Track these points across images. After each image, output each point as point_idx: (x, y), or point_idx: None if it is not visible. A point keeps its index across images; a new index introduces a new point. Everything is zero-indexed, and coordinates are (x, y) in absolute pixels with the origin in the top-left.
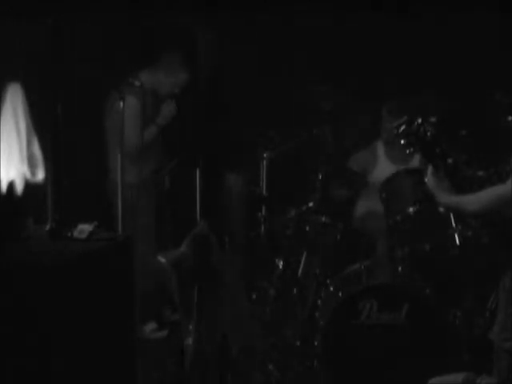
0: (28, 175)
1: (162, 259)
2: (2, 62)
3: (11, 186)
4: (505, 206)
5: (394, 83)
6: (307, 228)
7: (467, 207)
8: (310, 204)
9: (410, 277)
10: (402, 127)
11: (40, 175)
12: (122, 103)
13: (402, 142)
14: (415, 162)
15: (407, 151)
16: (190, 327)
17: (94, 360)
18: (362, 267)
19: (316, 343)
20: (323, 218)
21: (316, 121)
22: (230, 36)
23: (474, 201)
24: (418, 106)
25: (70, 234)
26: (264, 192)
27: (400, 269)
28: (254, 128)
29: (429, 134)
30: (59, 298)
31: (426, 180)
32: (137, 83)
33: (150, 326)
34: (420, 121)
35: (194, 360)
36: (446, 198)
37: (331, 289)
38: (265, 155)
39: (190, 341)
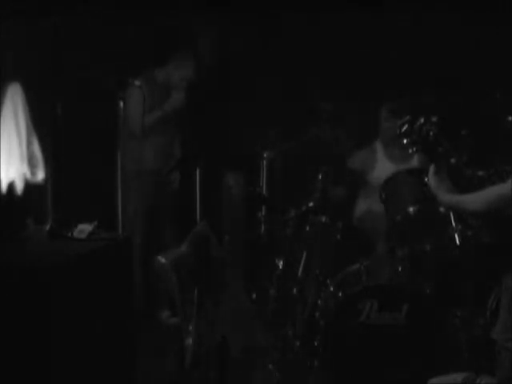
0: (28, 175)
1: (162, 259)
2: (2, 62)
3: (11, 186)
4: (506, 204)
5: (394, 83)
6: (307, 228)
7: (469, 206)
8: (310, 204)
9: (410, 277)
10: (405, 126)
11: (40, 175)
12: (122, 103)
13: (405, 141)
14: (415, 161)
15: (409, 151)
16: (190, 327)
17: (94, 359)
18: (362, 267)
19: (316, 343)
20: (323, 218)
21: (316, 121)
22: (231, 35)
23: (475, 200)
24: (419, 105)
25: (70, 234)
26: (264, 192)
27: (400, 269)
28: (254, 128)
29: (431, 133)
30: (59, 298)
31: (428, 179)
32: (137, 83)
33: (166, 313)
34: (423, 120)
35: (194, 360)
36: (447, 197)
37: (331, 289)
38: (265, 155)
39: (190, 341)
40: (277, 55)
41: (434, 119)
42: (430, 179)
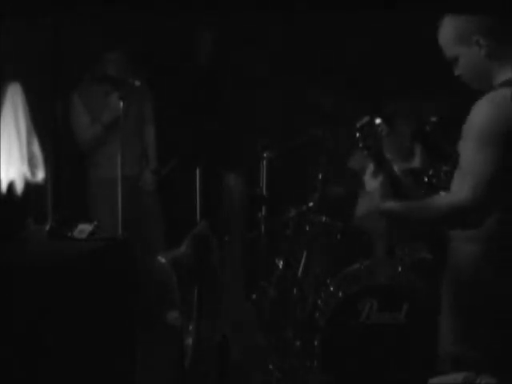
0: (28, 175)
1: (162, 259)
2: (2, 62)
3: (11, 185)
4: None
5: (394, 83)
6: (307, 228)
7: (416, 214)
8: (310, 204)
9: (410, 277)
10: (362, 130)
11: (40, 175)
12: (122, 103)
13: (360, 145)
14: (416, 161)
15: (364, 153)
16: (190, 327)
17: (94, 360)
18: (362, 267)
19: (316, 343)
20: (323, 218)
21: (316, 121)
22: (230, 35)
23: (424, 208)
24: (419, 106)
25: (70, 234)
26: (264, 192)
27: (400, 269)
28: (254, 128)
29: (383, 133)
30: (59, 298)
31: (364, 180)
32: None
33: (173, 314)
34: (378, 121)
35: (194, 360)
36: (388, 203)
37: (331, 289)
38: (265, 155)
39: (189, 341)
40: (276, 55)
41: (433, 119)
42: (367, 180)
